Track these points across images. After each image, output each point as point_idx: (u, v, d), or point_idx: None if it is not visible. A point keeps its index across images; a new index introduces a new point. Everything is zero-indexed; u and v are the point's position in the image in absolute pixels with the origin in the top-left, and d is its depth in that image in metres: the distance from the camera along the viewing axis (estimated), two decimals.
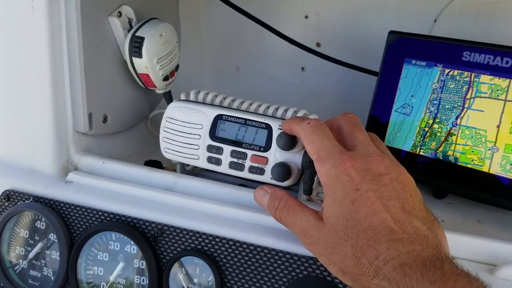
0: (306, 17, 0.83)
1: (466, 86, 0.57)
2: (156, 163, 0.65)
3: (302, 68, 0.86)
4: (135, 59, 0.63)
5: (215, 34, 0.90)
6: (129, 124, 0.71)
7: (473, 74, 0.57)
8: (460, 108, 0.58)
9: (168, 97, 0.70)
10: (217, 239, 0.51)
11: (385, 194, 0.41)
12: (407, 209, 0.41)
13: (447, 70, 0.58)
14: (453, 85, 0.58)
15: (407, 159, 0.61)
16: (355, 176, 0.42)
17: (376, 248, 0.39)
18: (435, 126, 0.59)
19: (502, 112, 0.55)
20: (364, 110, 0.68)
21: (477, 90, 0.56)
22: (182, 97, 0.60)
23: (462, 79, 0.57)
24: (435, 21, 0.73)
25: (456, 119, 0.58)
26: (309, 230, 0.44)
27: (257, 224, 0.51)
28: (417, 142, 0.61)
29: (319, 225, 0.43)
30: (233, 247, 0.50)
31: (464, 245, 0.48)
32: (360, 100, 0.76)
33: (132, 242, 0.53)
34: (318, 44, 0.83)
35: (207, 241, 0.51)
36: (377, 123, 0.64)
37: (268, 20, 0.78)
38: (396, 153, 0.62)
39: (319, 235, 0.43)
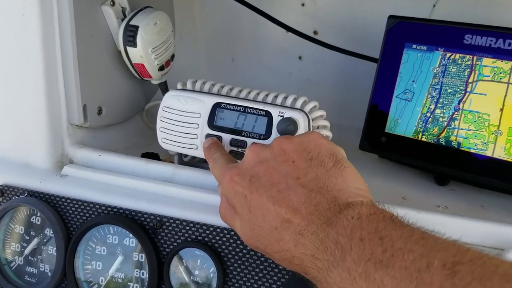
0: (303, 4, 0.82)
1: (468, 70, 0.56)
2: (153, 155, 0.64)
3: (300, 57, 0.85)
4: (129, 49, 0.62)
5: (210, 24, 0.89)
6: (125, 116, 0.70)
7: (475, 57, 0.56)
8: (463, 92, 0.57)
9: (164, 88, 0.69)
10: (218, 230, 0.50)
11: (267, 185, 0.40)
12: (292, 184, 0.39)
13: (448, 54, 0.57)
14: (455, 69, 0.57)
15: (409, 145, 0.60)
16: (238, 185, 0.42)
17: (287, 250, 0.38)
18: (437, 111, 0.58)
19: (505, 95, 0.54)
20: (364, 98, 0.68)
21: (480, 73, 0.56)
22: (179, 86, 0.58)
23: (464, 62, 0.56)
24: (434, 5, 0.73)
25: (459, 103, 0.57)
26: (242, 237, 0.44)
27: None
28: (419, 128, 0.60)
29: (243, 234, 0.43)
30: (234, 237, 0.49)
31: (471, 229, 0.47)
32: (360, 88, 0.75)
33: (131, 235, 0.52)
34: (315, 32, 0.82)
35: (207, 232, 0.50)
36: (378, 110, 0.63)
37: (264, 8, 0.77)
38: (398, 139, 0.61)
39: (250, 243, 0.43)
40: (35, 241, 0.56)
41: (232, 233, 0.49)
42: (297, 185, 0.39)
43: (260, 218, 0.40)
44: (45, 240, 0.56)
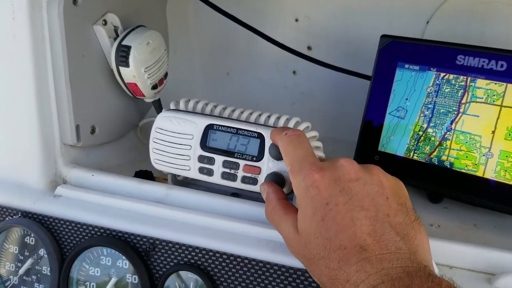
0: (297, 20, 0.82)
1: (462, 91, 0.56)
2: (146, 174, 0.64)
3: (294, 72, 0.85)
4: (122, 69, 0.61)
5: (204, 39, 0.89)
6: (118, 134, 0.69)
7: (469, 78, 0.56)
8: (455, 112, 0.57)
9: (158, 105, 0.68)
10: (210, 253, 0.49)
11: (356, 204, 0.39)
12: (381, 217, 0.39)
13: (442, 74, 0.57)
14: (448, 89, 0.57)
15: (402, 164, 0.60)
16: (324, 189, 0.41)
17: (346, 271, 0.37)
18: (429, 130, 0.58)
19: (498, 118, 0.54)
20: (357, 113, 0.68)
21: (473, 94, 0.56)
22: (172, 106, 0.58)
23: (457, 83, 0.56)
24: (428, 22, 0.73)
25: (451, 123, 0.57)
26: (290, 240, 0.43)
27: (251, 237, 0.50)
28: (411, 146, 0.60)
29: (297, 237, 0.42)
30: (227, 260, 0.49)
31: (461, 253, 0.48)
32: (353, 102, 0.75)
33: (124, 257, 0.52)
34: (309, 48, 0.82)
35: (200, 255, 0.50)
36: (371, 126, 0.63)
37: (258, 23, 0.77)
38: (390, 158, 0.61)
39: (298, 247, 0.42)
40: (29, 262, 0.56)
41: (224, 256, 0.49)
42: (385, 221, 0.39)
43: (332, 231, 0.39)
44: (39, 260, 0.56)
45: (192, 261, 0.50)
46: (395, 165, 0.61)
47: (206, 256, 0.50)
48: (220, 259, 0.49)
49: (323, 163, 0.43)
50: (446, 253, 0.48)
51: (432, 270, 0.37)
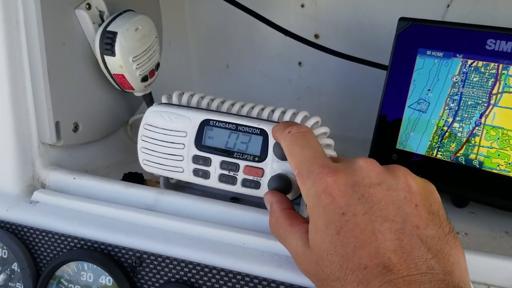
0: (302, 5, 0.77)
1: (493, 80, 0.50)
2: (136, 176, 0.58)
3: (299, 63, 0.81)
4: (107, 58, 0.56)
5: (201, 28, 0.84)
6: (106, 132, 0.64)
7: (500, 66, 0.50)
8: (485, 104, 0.51)
9: (149, 100, 0.63)
10: (206, 269, 0.44)
11: (378, 214, 0.34)
12: (408, 230, 0.33)
13: (470, 61, 0.51)
14: (477, 78, 0.51)
15: (422, 163, 0.55)
16: (339, 196, 0.35)
17: None
18: (455, 125, 0.53)
19: None
20: (369, 107, 0.64)
21: (505, 84, 0.50)
22: (164, 100, 0.53)
23: (487, 71, 0.50)
24: (448, 6, 0.68)
25: (480, 117, 0.51)
26: (298, 256, 0.38)
27: (254, 249, 0.44)
28: (434, 144, 0.54)
29: (306, 252, 0.36)
30: (225, 278, 0.43)
31: (501, 268, 0.41)
32: (365, 96, 0.72)
33: (107, 273, 0.46)
34: (316, 36, 0.78)
35: (194, 271, 0.44)
36: (388, 122, 0.57)
37: (260, 10, 0.72)
38: (410, 157, 0.55)
39: (308, 265, 0.36)
40: (1, 278, 0.51)
41: (222, 273, 0.43)
42: (415, 235, 0.33)
43: (350, 247, 0.33)
44: (12, 276, 0.51)
45: (185, 278, 0.44)
46: (415, 165, 0.55)
47: (201, 273, 0.44)
48: (217, 276, 0.43)
49: (337, 165, 0.37)
50: (482, 268, 0.42)
51: None
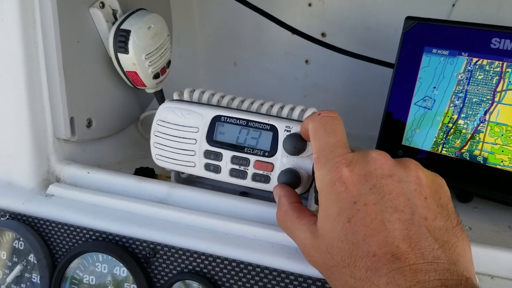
0: (310, 4, 0.78)
1: (497, 77, 0.51)
2: (148, 171, 0.59)
3: (306, 61, 0.81)
4: (121, 55, 0.57)
5: (210, 27, 0.85)
6: (117, 128, 0.65)
7: (505, 64, 0.50)
8: (490, 102, 0.51)
9: (160, 97, 0.64)
10: (217, 260, 0.44)
11: (388, 205, 0.35)
12: (417, 221, 0.34)
13: (474, 59, 0.52)
14: (482, 76, 0.52)
15: (427, 159, 0.55)
16: (352, 185, 0.36)
17: (375, 283, 0.33)
18: (460, 122, 0.53)
19: None
20: (375, 105, 0.64)
21: (510, 82, 0.50)
22: (175, 96, 0.54)
23: (492, 69, 0.51)
24: (454, 5, 0.68)
25: (485, 114, 0.52)
26: (306, 247, 0.38)
27: (264, 241, 0.45)
28: (439, 140, 0.54)
29: (315, 243, 0.37)
30: (237, 269, 0.44)
31: (504, 260, 0.42)
32: (371, 93, 0.72)
33: (122, 264, 0.47)
34: (323, 34, 0.78)
35: (206, 262, 0.45)
36: (394, 118, 0.58)
37: (268, 8, 0.73)
38: (414, 153, 0.56)
39: (317, 255, 0.37)
40: (18, 268, 0.51)
41: (233, 264, 0.44)
42: (423, 226, 0.34)
43: (360, 235, 0.34)
44: (28, 267, 0.51)
45: (198, 268, 0.45)
46: (420, 161, 0.53)
47: (213, 264, 0.45)
48: (229, 267, 0.44)
49: (353, 155, 0.38)
50: (486, 260, 0.42)
51: (475, 284, 0.32)
